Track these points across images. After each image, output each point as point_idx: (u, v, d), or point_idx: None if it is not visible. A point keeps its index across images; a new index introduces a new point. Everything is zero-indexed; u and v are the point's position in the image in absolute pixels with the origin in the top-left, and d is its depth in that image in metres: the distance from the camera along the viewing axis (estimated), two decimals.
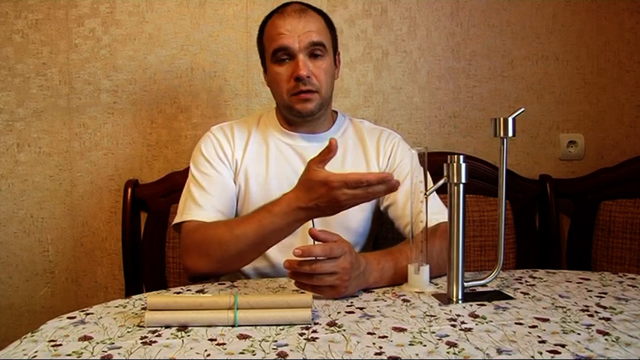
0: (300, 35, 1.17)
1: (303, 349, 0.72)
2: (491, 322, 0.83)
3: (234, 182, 1.24)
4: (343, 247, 0.92)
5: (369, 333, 0.78)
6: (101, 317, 0.85)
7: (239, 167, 1.24)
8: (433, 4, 1.74)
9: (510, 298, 0.95)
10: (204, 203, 1.17)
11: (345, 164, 1.26)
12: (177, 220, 1.18)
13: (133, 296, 0.96)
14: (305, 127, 1.27)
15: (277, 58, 1.19)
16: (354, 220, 1.24)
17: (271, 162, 1.25)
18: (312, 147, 1.26)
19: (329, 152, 0.95)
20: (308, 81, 1.17)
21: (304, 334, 0.78)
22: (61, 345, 0.74)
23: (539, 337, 0.76)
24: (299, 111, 1.20)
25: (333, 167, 1.24)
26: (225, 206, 1.20)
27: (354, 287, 0.96)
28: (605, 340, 0.75)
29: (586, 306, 0.90)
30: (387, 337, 0.77)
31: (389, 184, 0.92)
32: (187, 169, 1.27)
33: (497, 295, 0.96)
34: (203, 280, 1.09)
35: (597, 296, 0.95)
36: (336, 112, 1.34)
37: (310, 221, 1.11)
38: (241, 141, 1.27)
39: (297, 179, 1.22)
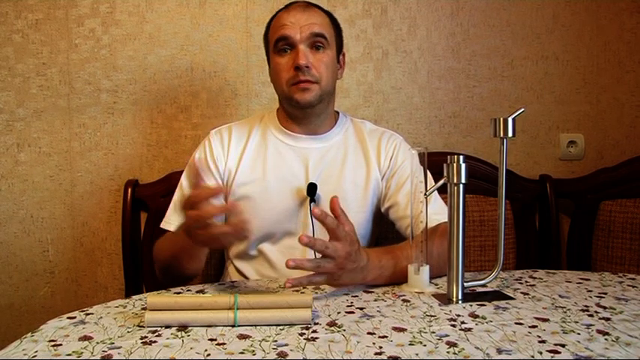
0: (302, 26, 1.18)
1: (303, 349, 0.72)
2: (491, 322, 0.83)
3: (225, 196, 1.24)
4: (337, 247, 0.93)
5: (369, 333, 0.78)
6: (101, 317, 0.85)
7: (233, 175, 1.24)
8: (433, 4, 1.74)
9: (510, 298, 0.95)
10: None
11: (346, 166, 1.26)
12: (162, 224, 1.26)
13: (133, 296, 0.96)
14: (306, 126, 1.26)
15: (278, 48, 1.21)
16: (353, 222, 1.24)
17: (269, 164, 1.24)
18: (313, 148, 1.26)
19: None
20: (307, 71, 1.18)
21: (304, 334, 0.78)
22: (61, 345, 0.74)
23: (539, 337, 0.76)
24: (297, 101, 1.20)
25: (334, 169, 1.25)
26: None
27: (348, 280, 0.96)
28: (605, 340, 0.75)
29: (586, 306, 0.90)
30: (387, 337, 0.77)
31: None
32: None
33: (497, 296, 0.96)
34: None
35: (597, 296, 0.95)
36: (338, 113, 1.34)
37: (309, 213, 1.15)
38: (239, 145, 1.27)
39: (295, 181, 1.23)
